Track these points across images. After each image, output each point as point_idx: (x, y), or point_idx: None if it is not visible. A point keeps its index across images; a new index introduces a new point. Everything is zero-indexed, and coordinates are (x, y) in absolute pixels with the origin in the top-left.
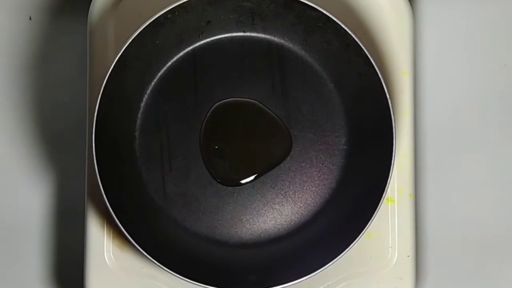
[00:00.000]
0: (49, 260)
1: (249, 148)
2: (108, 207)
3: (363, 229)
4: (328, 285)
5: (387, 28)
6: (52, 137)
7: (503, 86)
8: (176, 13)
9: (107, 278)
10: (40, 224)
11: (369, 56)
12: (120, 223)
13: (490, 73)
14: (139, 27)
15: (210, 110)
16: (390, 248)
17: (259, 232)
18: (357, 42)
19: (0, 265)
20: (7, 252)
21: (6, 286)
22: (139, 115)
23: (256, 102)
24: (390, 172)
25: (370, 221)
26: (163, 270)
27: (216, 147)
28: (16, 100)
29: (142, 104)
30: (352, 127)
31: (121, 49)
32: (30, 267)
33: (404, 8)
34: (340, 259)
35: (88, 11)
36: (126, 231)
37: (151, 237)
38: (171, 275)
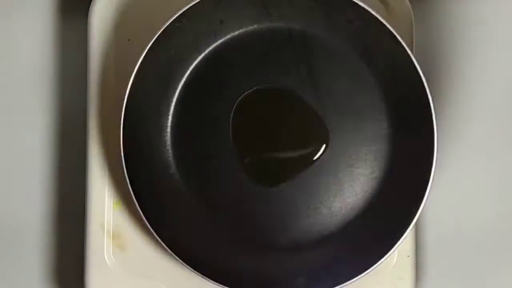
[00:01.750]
0: (49, 260)
1: (285, 144)
2: (147, 224)
3: (417, 210)
4: None
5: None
6: (52, 137)
7: (503, 85)
8: (184, 20)
9: (107, 278)
10: (40, 224)
11: (394, 32)
12: (163, 241)
13: (490, 73)
14: (147, 42)
15: (235, 106)
16: None
17: (306, 232)
18: (378, 19)
19: (0, 265)
20: (7, 252)
21: (6, 286)
22: (167, 129)
23: (283, 87)
24: (435, 150)
25: (423, 202)
26: (163, 271)
27: (250, 147)
28: (15, 100)
29: (170, 118)
30: (392, 109)
31: (133, 69)
32: (30, 267)
33: (404, 7)
34: None
35: (88, 11)
36: (169, 247)
37: (194, 250)
38: (170, 275)
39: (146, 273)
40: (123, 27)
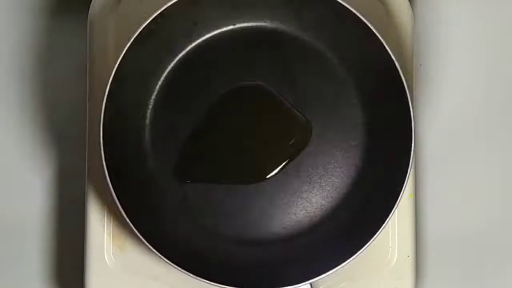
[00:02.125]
0: (49, 260)
1: (267, 142)
2: (129, 224)
3: (394, 206)
4: (328, 285)
5: (387, 28)
6: (52, 137)
7: (503, 86)
8: (159, 21)
9: (107, 278)
10: (40, 224)
11: (366, 22)
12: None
13: (490, 73)
14: (125, 44)
15: (212, 107)
16: (390, 248)
17: (291, 224)
18: (351, 11)
19: (0, 264)
20: (7, 251)
21: (6, 286)
22: (145, 132)
23: (261, 84)
24: (413, 142)
25: (400, 196)
26: (163, 271)
27: (232, 145)
28: (15, 100)
29: (147, 122)
30: (366, 99)
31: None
32: (30, 267)
33: (404, 8)
34: None
35: (88, 11)
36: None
37: (178, 247)
38: (170, 275)
39: (146, 273)
40: (123, 27)
